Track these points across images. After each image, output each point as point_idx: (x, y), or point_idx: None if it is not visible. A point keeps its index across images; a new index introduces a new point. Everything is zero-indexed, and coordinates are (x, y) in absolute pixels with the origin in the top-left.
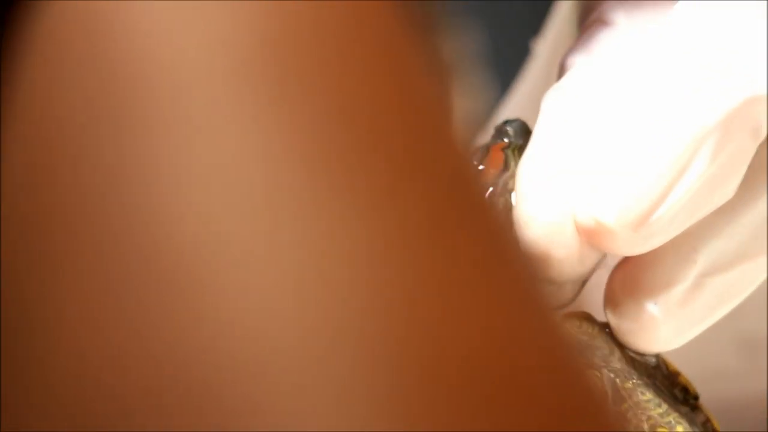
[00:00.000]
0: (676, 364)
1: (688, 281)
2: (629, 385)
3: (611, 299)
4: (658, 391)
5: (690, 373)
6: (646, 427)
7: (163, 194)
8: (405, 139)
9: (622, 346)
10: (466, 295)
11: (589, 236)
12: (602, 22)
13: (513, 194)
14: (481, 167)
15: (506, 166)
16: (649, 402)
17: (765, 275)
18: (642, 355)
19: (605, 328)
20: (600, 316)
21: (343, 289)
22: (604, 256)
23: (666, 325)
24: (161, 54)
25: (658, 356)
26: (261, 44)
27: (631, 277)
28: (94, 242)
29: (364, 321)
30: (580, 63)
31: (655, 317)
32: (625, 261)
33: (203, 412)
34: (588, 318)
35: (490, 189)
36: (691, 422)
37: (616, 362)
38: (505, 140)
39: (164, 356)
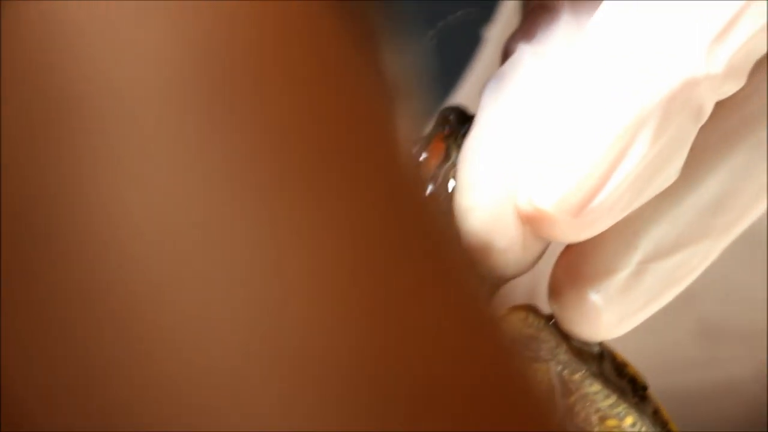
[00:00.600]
0: (635, 354)
1: (629, 268)
2: (577, 377)
3: (553, 288)
4: (607, 382)
5: (649, 363)
6: (595, 419)
7: (99, 208)
8: (347, 152)
9: (569, 338)
10: (406, 306)
11: (530, 223)
12: (545, 8)
13: (453, 184)
14: (422, 157)
15: (447, 156)
16: (597, 394)
17: (709, 261)
18: (588, 345)
19: (551, 319)
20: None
21: (281, 304)
22: (548, 245)
23: (608, 313)
24: (101, 65)
25: (605, 347)
26: (201, 57)
27: (572, 265)
28: (28, 251)
29: (303, 335)
30: (520, 49)
31: (597, 305)
32: (567, 249)
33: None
34: (533, 310)
35: (432, 180)
36: (641, 413)
37: (563, 354)
38: (447, 129)
39: (98, 366)
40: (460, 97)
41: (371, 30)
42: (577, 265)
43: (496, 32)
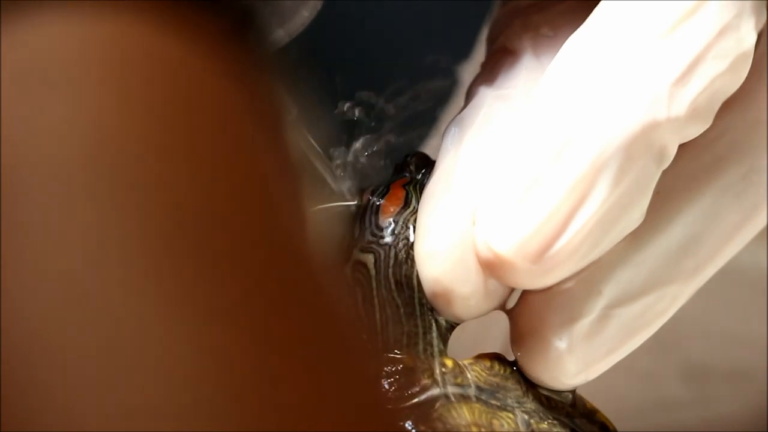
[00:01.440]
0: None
1: (593, 314)
2: (545, 426)
3: (516, 335)
4: (577, 429)
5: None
6: None
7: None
8: (236, 226)
9: (536, 386)
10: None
11: (490, 269)
12: (507, 51)
13: (412, 231)
14: (381, 203)
15: (407, 203)
16: None
17: (677, 305)
18: (557, 392)
19: (518, 369)
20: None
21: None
22: (512, 290)
23: (572, 360)
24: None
25: (574, 394)
26: (103, 137)
27: (533, 312)
28: None
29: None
30: (482, 93)
31: (561, 352)
32: (527, 294)
33: None
34: (499, 358)
35: (391, 227)
36: None
37: (530, 403)
38: (407, 176)
39: None
40: (435, 139)
41: (278, 108)
42: (538, 310)
43: (471, 72)
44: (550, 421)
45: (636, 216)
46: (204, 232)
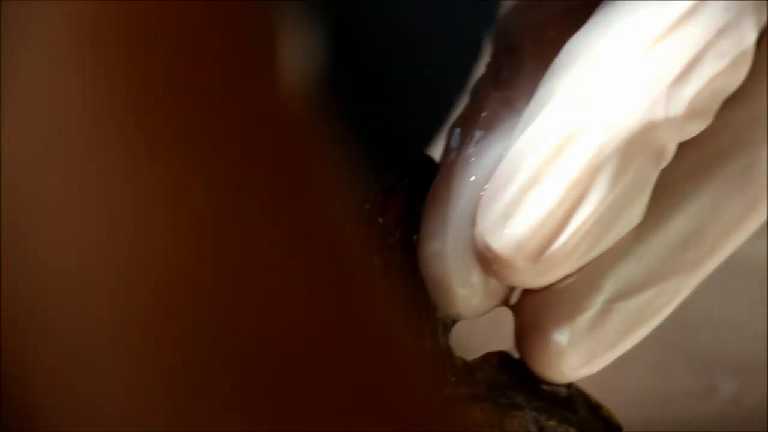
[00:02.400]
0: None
1: (594, 308)
2: (553, 422)
3: (518, 330)
4: (583, 425)
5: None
6: None
7: None
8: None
9: (541, 382)
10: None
11: (490, 269)
12: (510, 51)
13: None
14: (383, 205)
15: (411, 205)
16: None
17: (679, 299)
18: (560, 388)
19: (525, 366)
20: None
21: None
22: (512, 289)
23: (573, 355)
24: None
25: (578, 389)
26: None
27: (535, 307)
28: None
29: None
30: (485, 93)
31: (561, 347)
32: (529, 290)
33: None
34: (507, 356)
35: (395, 228)
36: None
37: (538, 400)
38: (411, 177)
39: None
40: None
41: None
42: (540, 306)
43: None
44: (558, 417)
45: (635, 215)
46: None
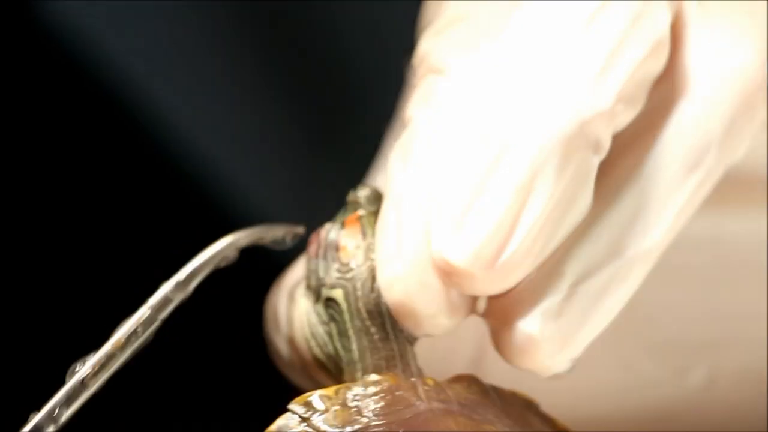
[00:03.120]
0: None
1: (560, 293)
2: None
3: (492, 334)
4: None
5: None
6: None
7: None
8: None
9: (510, 405)
10: None
11: (450, 282)
12: (434, 71)
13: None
14: (340, 240)
15: (364, 236)
16: None
17: (641, 273)
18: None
19: (494, 389)
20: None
21: None
22: (477, 299)
23: (548, 343)
24: None
25: (543, 413)
26: None
27: (503, 307)
28: None
29: None
30: (417, 116)
31: (535, 338)
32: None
33: None
34: (475, 379)
35: (353, 261)
36: None
37: (507, 419)
38: (359, 210)
39: None
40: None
41: None
42: (507, 305)
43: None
44: None
45: (582, 207)
46: None
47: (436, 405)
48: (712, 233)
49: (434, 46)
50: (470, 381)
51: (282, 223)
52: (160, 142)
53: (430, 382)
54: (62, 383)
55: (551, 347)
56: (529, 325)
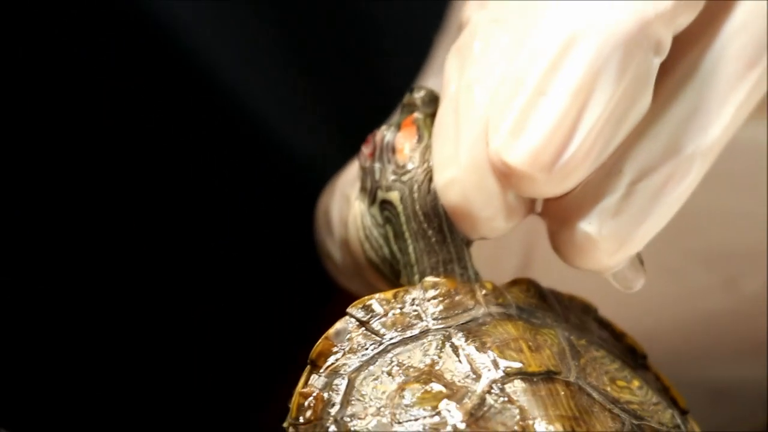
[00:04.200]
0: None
1: (618, 192)
2: (583, 342)
3: (550, 235)
4: (611, 349)
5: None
6: (605, 378)
7: None
8: None
9: (570, 309)
10: None
11: (508, 184)
12: None
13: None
14: (396, 143)
15: (420, 137)
16: (604, 358)
17: (698, 171)
18: (587, 315)
19: (552, 292)
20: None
21: None
22: (534, 202)
23: (606, 241)
24: None
25: (601, 318)
26: None
27: (561, 206)
28: None
29: None
30: (476, 18)
31: (592, 236)
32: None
33: None
34: (534, 283)
35: (409, 162)
36: (644, 378)
37: (567, 323)
38: (415, 113)
39: None
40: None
41: None
42: (566, 204)
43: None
44: (587, 338)
45: (641, 108)
46: None
47: (494, 309)
48: (757, 140)
49: None
50: (528, 285)
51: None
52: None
53: (489, 286)
54: None
55: (610, 246)
56: (587, 225)
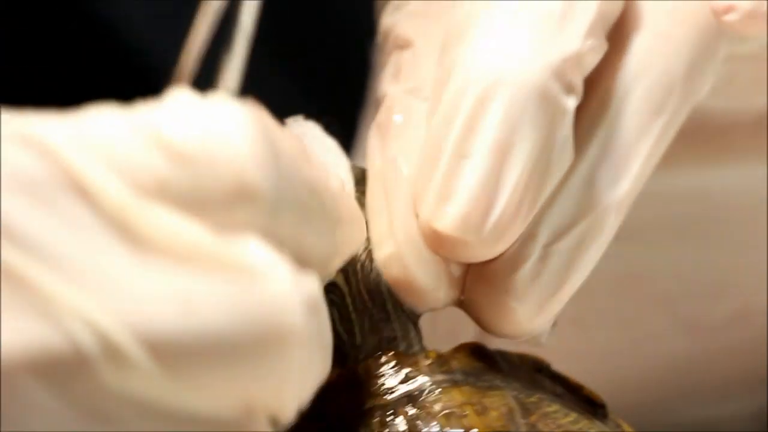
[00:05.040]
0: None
1: (534, 255)
2: (534, 399)
3: (470, 302)
4: (565, 403)
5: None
6: None
7: None
8: None
9: (518, 367)
10: None
11: (443, 252)
12: (401, 47)
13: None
14: None
15: None
16: (557, 413)
17: (611, 227)
18: (540, 372)
19: (500, 353)
20: None
21: None
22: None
23: (525, 306)
24: None
25: (553, 372)
26: None
27: (479, 273)
28: None
29: None
30: (391, 92)
31: (510, 303)
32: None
33: None
34: (479, 346)
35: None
36: (602, 429)
37: (516, 382)
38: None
39: None
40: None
41: None
42: (482, 271)
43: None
44: (538, 395)
45: (567, 154)
46: None
47: (439, 377)
48: (701, 185)
49: (396, 21)
50: (473, 348)
51: None
52: None
53: (432, 354)
54: None
55: (528, 311)
56: (503, 294)
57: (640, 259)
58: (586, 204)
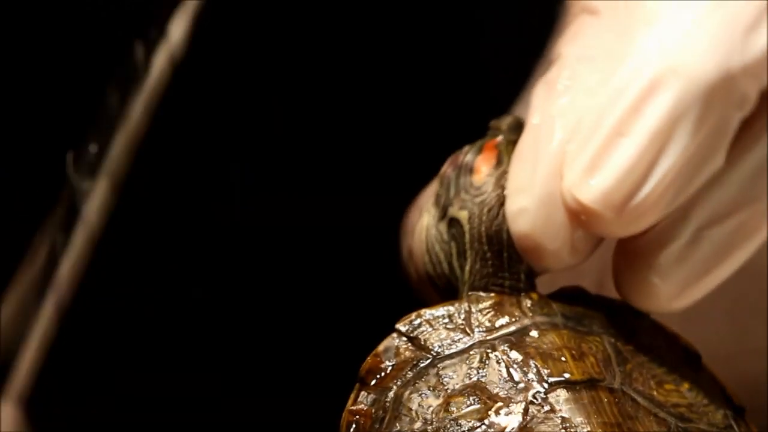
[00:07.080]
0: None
1: (684, 237)
2: (630, 347)
3: (615, 273)
4: (661, 353)
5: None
6: (652, 383)
7: None
8: None
9: (617, 314)
10: None
11: (578, 221)
12: (586, 10)
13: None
14: (474, 164)
15: (499, 162)
16: (652, 362)
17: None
18: (639, 319)
19: (600, 298)
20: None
21: None
22: (600, 241)
23: (668, 286)
24: None
25: (652, 320)
26: None
27: (628, 247)
28: None
29: None
30: (566, 53)
31: (654, 281)
32: None
33: None
34: (582, 291)
35: (484, 185)
36: (696, 380)
37: (614, 328)
38: (499, 137)
39: None
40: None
41: None
42: (632, 245)
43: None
44: (634, 344)
45: (717, 162)
46: None
47: (539, 319)
48: None
49: None
50: (576, 292)
51: None
52: None
53: (534, 296)
54: None
55: (671, 292)
56: (650, 270)
57: (759, 269)
58: (749, 195)
